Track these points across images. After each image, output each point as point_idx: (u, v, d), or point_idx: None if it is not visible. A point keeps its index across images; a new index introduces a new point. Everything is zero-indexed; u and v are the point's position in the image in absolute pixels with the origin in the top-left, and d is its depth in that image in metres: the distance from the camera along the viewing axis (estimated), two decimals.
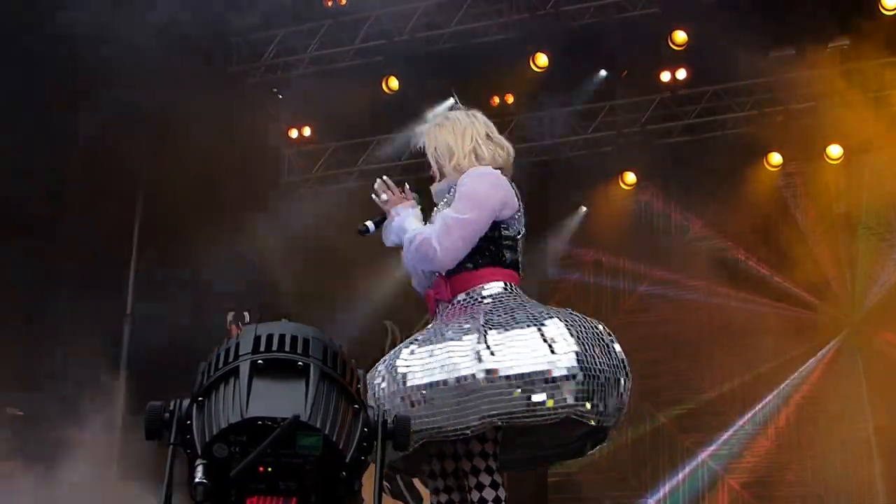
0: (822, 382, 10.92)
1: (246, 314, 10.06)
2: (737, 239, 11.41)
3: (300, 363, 2.27)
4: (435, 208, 4.03)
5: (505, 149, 4.11)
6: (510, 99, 11.39)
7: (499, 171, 3.99)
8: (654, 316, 11.56)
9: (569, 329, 3.65)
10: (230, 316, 8.99)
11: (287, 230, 11.07)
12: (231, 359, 2.29)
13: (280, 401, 2.20)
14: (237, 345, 2.32)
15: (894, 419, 10.35)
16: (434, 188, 4.10)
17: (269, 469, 2.18)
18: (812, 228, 11.24)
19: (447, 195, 3.99)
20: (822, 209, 11.26)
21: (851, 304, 11.04)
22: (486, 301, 3.81)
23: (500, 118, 11.43)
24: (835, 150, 11.03)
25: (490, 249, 3.90)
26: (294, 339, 2.30)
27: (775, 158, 11.31)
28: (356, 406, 2.33)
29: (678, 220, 11.83)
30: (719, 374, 11.28)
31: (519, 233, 4.00)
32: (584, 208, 12.03)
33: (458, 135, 4.03)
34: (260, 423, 2.17)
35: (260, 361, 2.26)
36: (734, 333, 11.22)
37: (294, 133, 12.22)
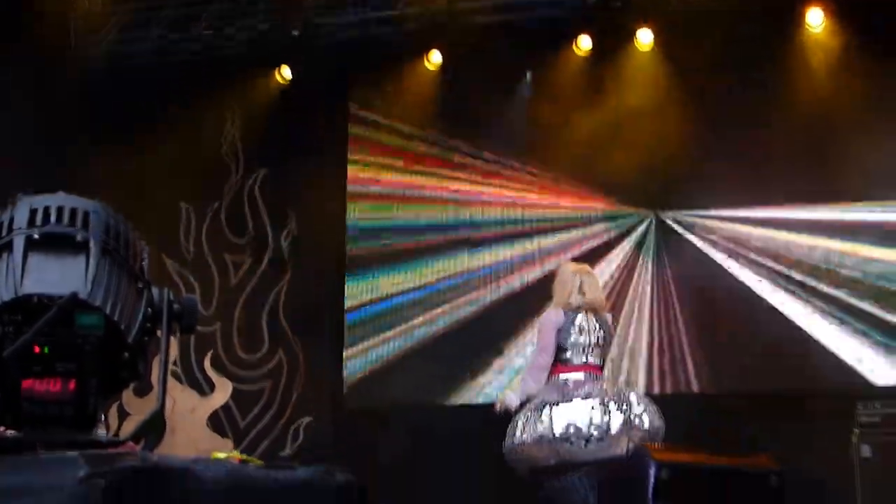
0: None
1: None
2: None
3: (79, 237, 2.25)
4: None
5: None
6: None
7: None
8: None
9: None
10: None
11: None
12: (3, 233, 2.26)
13: (57, 277, 2.19)
14: (11, 219, 2.28)
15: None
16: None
17: (46, 349, 2.17)
18: (622, 118, 11.33)
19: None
20: (629, 98, 11.42)
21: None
22: None
23: None
24: (645, 37, 11.20)
25: None
26: (73, 211, 2.28)
27: (584, 42, 11.41)
28: (140, 286, 2.34)
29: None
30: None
31: None
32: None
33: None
34: (35, 300, 2.16)
35: (35, 236, 2.24)
36: None
37: None
